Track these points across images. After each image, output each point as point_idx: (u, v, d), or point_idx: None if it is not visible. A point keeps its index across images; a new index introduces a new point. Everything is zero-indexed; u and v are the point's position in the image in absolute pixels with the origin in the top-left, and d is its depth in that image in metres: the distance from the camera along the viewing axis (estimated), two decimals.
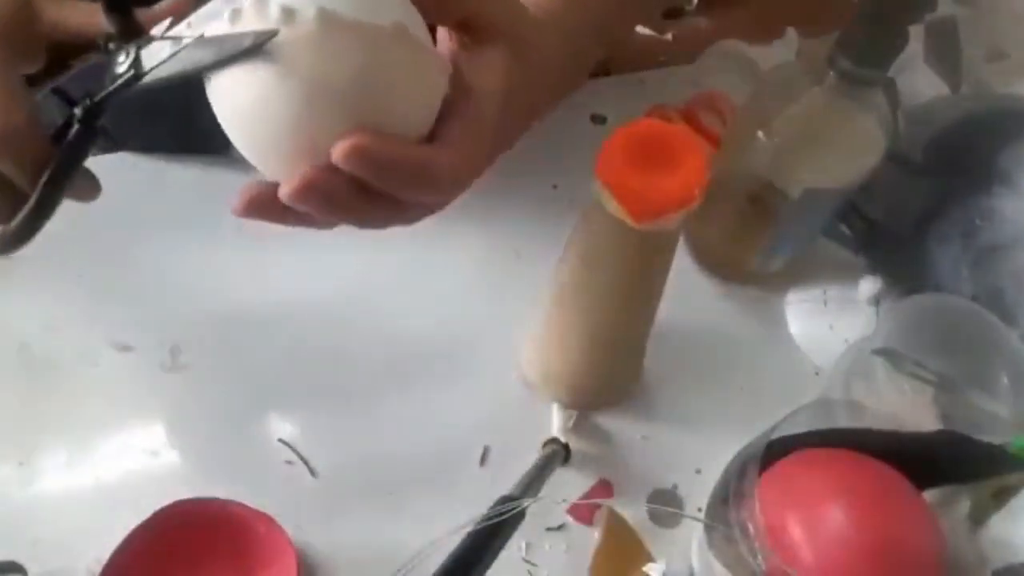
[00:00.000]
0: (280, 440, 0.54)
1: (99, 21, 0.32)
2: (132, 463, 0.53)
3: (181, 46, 0.31)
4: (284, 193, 0.33)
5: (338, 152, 0.31)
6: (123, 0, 0.32)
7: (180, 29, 0.32)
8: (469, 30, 0.38)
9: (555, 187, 0.65)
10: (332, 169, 0.32)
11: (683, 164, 0.40)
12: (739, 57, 0.71)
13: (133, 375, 0.55)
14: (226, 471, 0.52)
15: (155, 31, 0.32)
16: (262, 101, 0.31)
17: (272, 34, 0.30)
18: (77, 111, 0.33)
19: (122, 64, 0.32)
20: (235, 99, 0.32)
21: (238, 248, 0.59)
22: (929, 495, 0.45)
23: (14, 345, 0.55)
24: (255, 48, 0.30)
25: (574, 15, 0.47)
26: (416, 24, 0.34)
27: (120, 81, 0.32)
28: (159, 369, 0.55)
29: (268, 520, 0.47)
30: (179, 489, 0.48)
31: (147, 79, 0.32)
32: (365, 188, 0.34)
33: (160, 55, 0.32)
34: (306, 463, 0.53)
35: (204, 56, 0.31)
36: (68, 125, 0.33)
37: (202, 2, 0.33)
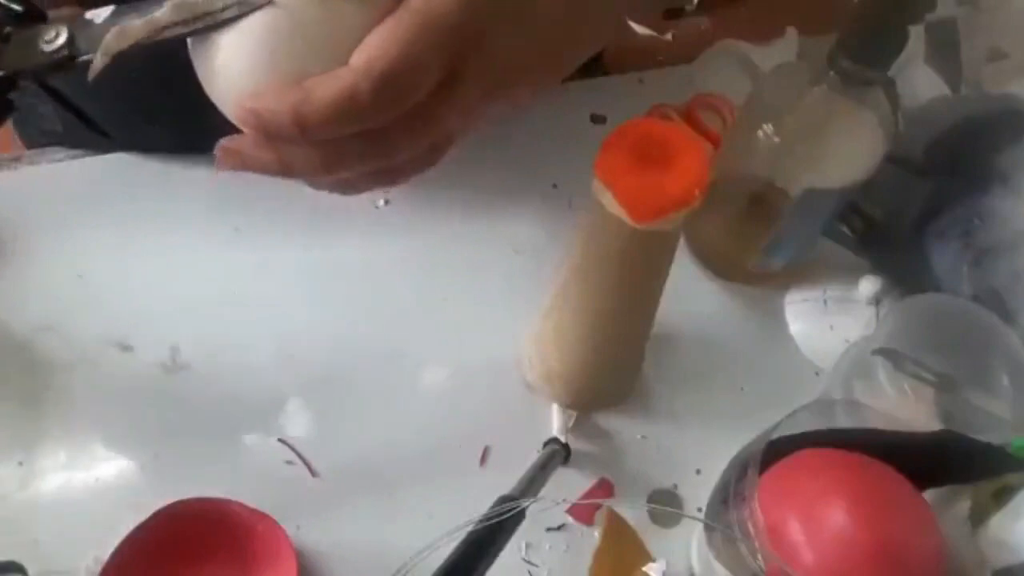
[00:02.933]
0: (280, 440, 0.54)
1: None
2: (132, 463, 0.53)
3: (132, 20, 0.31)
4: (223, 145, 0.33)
5: (236, 114, 0.31)
6: None
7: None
8: None
9: (555, 187, 0.65)
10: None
11: (683, 164, 0.40)
12: (739, 57, 0.71)
13: (133, 375, 0.55)
14: (226, 471, 0.52)
15: (90, 16, 0.32)
16: (243, 75, 0.32)
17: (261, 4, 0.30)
18: None
19: (50, 43, 0.31)
20: (222, 71, 0.32)
21: (238, 248, 0.59)
22: (929, 495, 0.45)
23: (14, 345, 0.55)
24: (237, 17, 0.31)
25: None
26: None
27: (61, 59, 0.31)
28: (159, 369, 0.55)
29: (268, 520, 0.47)
30: (179, 489, 0.48)
31: (85, 58, 0.31)
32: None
33: (100, 33, 0.31)
34: (306, 463, 0.53)
35: (172, 28, 0.31)
36: None
37: None
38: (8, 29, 0.32)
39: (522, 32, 0.36)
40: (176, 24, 0.31)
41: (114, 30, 0.31)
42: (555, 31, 0.38)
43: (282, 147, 0.33)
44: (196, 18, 0.31)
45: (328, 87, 0.30)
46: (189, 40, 0.33)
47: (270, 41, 0.32)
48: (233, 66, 0.32)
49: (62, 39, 0.31)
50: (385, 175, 0.36)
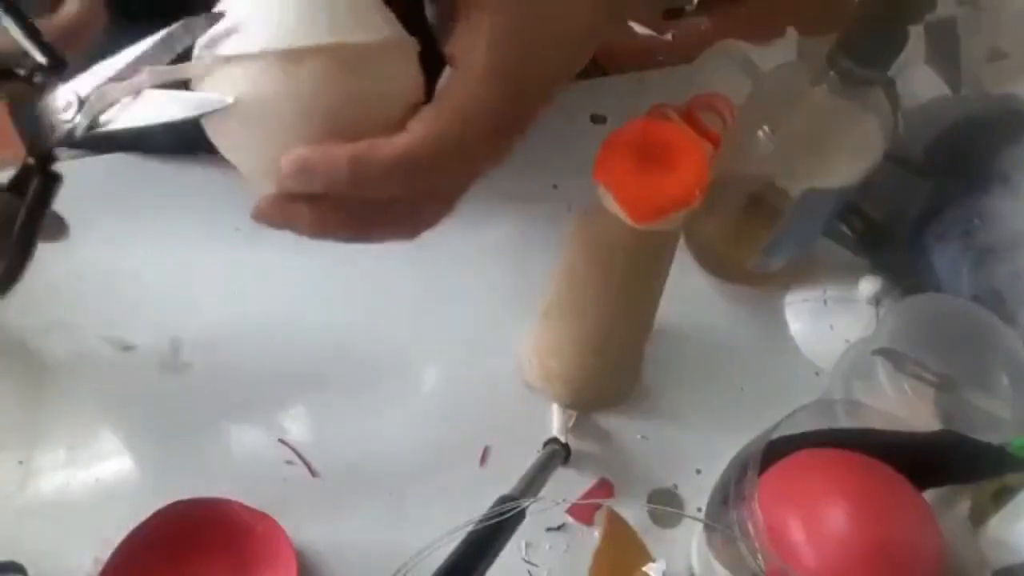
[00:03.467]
0: (280, 440, 0.54)
1: (6, 49, 0.32)
2: (132, 463, 0.53)
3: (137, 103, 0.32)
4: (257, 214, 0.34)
5: (286, 168, 0.32)
6: (34, 28, 0.32)
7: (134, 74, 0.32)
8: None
9: (555, 187, 0.65)
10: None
11: (683, 164, 0.40)
12: (739, 57, 0.71)
13: (133, 375, 0.55)
14: (226, 471, 0.52)
15: (99, 70, 0.32)
16: (248, 145, 0.33)
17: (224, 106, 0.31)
18: (31, 160, 0.33)
19: (67, 111, 0.32)
20: (227, 138, 0.34)
21: (239, 248, 0.59)
22: (929, 495, 0.45)
23: (14, 345, 0.55)
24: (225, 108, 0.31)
25: None
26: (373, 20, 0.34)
27: (78, 132, 0.32)
28: (159, 369, 0.55)
29: (268, 520, 0.47)
30: (179, 489, 0.48)
31: (107, 128, 0.32)
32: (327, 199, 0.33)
33: (115, 105, 0.32)
34: (306, 463, 0.53)
35: (173, 111, 0.32)
36: (25, 174, 0.33)
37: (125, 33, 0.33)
38: (37, 79, 0.33)
39: (537, 98, 0.37)
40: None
41: (98, 132, 0.32)
42: (558, 83, 0.39)
43: (321, 206, 0.34)
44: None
45: (389, 147, 0.32)
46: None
47: (290, 112, 0.32)
48: (253, 136, 0.33)
49: (74, 106, 0.32)
50: (405, 232, 0.38)
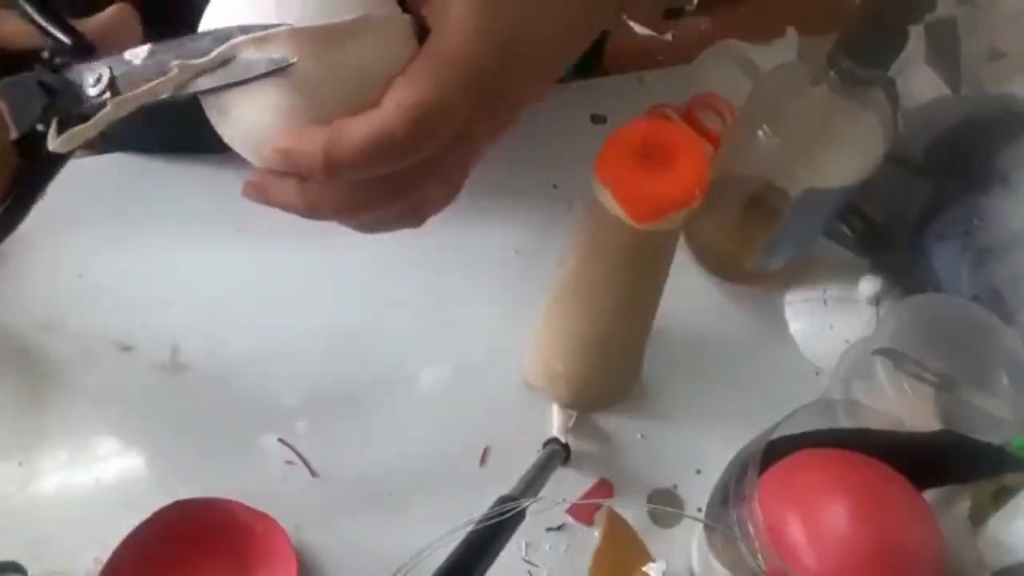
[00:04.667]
0: (280, 440, 0.54)
1: (28, 32, 0.32)
2: (132, 463, 0.53)
3: (169, 76, 0.31)
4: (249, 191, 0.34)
5: (269, 159, 0.32)
6: (55, 11, 0.32)
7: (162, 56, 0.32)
8: None
9: (555, 187, 0.65)
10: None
11: (683, 164, 0.40)
12: (739, 57, 0.70)
13: (133, 375, 0.55)
14: (226, 471, 0.52)
15: (129, 56, 0.32)
16: (266, 122, 0.32)
17: (284, 64, 0.31)
18: (41, 127, 0.32)
19: (94, 87, 0.32)
20: (241, 121, 0.33)
21: (238, 248, 0.59)
22: (929, 495, 0.45)
23: (14, 345, 0.55)
24: (259, 76, 0.31)
25: None
26: None
27: (102, 103, 0.32)
28: (159, 369, 0.55)
29: (268, 520, 0.47)
30: (179, 489, 0.48)
31: (126, 103, 0.32)
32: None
33: (141, 80, 0.31)
34: (306, 463, 0.53)
35: (202, 82, 0.31)
36: (35, 131, 0.33)
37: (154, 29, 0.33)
38: (59, 60, 0.32)
39: (530, 66, 0.35)
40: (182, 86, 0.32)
41: (114, 101, 0.31)
42: (555, 53, 0.38)
43: (309, 187, 0.33)
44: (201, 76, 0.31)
45: (359, 127, 0.30)
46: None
47: (289, 92, 0.32)
48: (252, 117, 0.33)
49: (104, 81, 0.31)
50: (409, 215, 0.36)
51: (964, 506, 0.46)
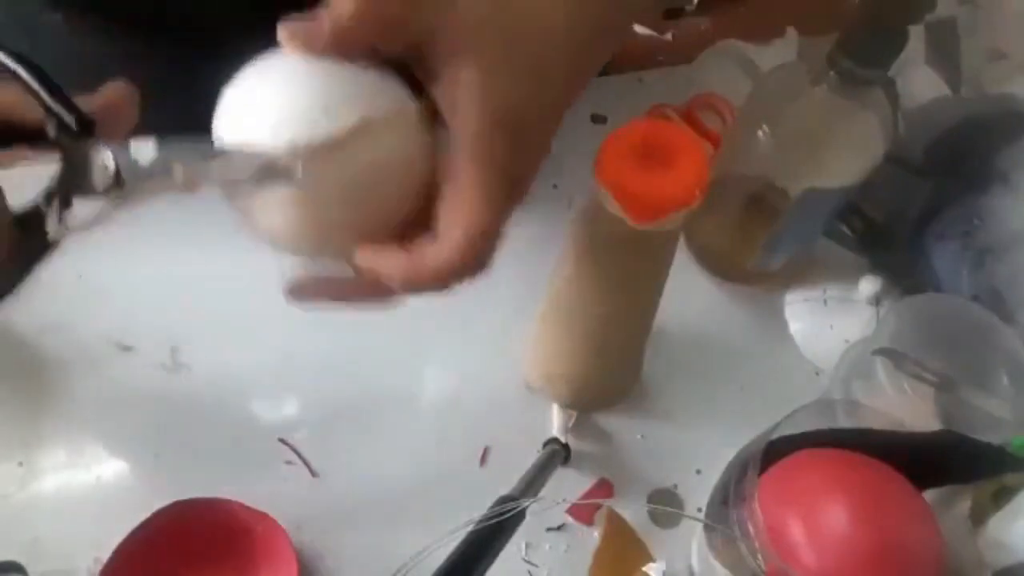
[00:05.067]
0: (280, 440, 0.54)
1: (28, 104, 0.32)
2: (132, 463, 0.53)
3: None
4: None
5: (358, 265, 0.35)
6: (58, 86, 0.32)
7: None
8: (427, 53, 0.33)
9: (555, 187, 0.65)
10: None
11: (683, 164, 0.40)
12: (739, 57, 0.71)
13: (133, 375, 0.55)
14: (226, 471, 0.52)
15: (134, 149, 0.32)
16: (277, 225, 0.36)
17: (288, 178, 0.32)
18: (51, 211, 0.33)
19: (99, 176, 0.32)
20: (256, 221, 0.36)
21: (238, 248, 0.59)
22: (929, 495, 0.45)
23: (14, 345, 0.55)
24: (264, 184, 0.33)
25: None
26: (384, 92, 0.34)
27: (105, 192, 0.33)
28: (159, 369, 0.55)
29: (268, 520, 0.47)
30: (179, 489, 0.48)
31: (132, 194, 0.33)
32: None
33: (144, 175, 0.33)
34: (306, 463, 0.53)
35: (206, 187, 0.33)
36: (36, 209, 0.33)
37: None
38: (62, 139, 0.32)
39: (540, 131, 0.37)
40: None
41: (115, 197, 0.33)
42: (557, 112, 0.38)
43: (356, 285, 0.37)
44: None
45: (435, 258, 0.34)
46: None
47: (296, 200, 0.34)
48: (266, 220, 0.36)
49: (110, 173, 0.32)
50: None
51: (964, 506, 0.46)
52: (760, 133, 0.53)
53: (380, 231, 0.35)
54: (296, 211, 0.35)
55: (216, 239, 0.59)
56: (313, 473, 0.53)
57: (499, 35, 0.33)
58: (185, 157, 0.32)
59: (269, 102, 0.33)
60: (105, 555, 0.45)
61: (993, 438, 0.47)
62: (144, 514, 0.46)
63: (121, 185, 0.32)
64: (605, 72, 0.72)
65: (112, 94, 0.34)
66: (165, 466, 0.53)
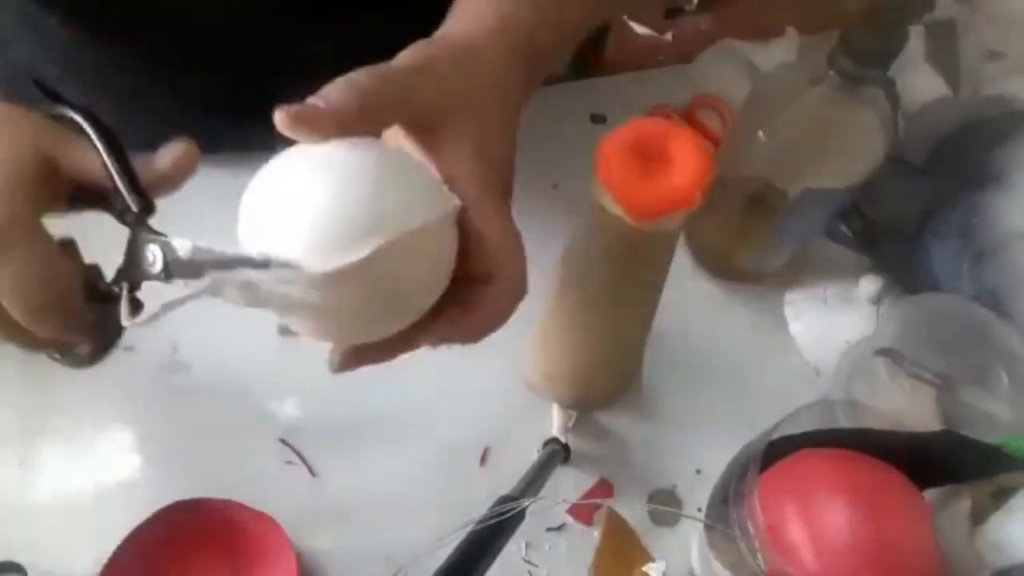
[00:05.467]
0: (280, 440, 0.54)
1: (98, 171, 0.34)
2: (132, 463, 0.53)
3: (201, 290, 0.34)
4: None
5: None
6: (131, 168, 0.34)
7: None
8: (417, 128, 0.36)
9: (555, 187, 0.65)
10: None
11: (683, 164, 0.40)
12: (739, 57, 0.71)
13: (133, 375, 0.55)
14: (226, 471, 0.52)
15: (177, 245, 0.34)
16: (306, 329, 0.37)
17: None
18: (116, 289, 0.36)
19: (152, 265, 0.35)
20: (291, 322, 0.37)
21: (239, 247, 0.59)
22: (929, 495, 0.45)
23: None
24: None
25: (513, 30, 0.40)
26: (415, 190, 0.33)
27: (158, 278, 0.35)
28: (159, 369, 0.55)
29: (268, 520, 0.47)
30: (179, 489, 0.48)
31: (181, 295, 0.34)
32: None
33: (183, 269, 0.35)
34: (306, 463, 0.53)
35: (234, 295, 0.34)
36: (109, 294, 0.36)
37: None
38: (128, 218, 0.35)
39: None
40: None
41: (166, 304, 0.34)
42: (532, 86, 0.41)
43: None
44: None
45: (503, 302, 0.37)
46: None
47: (317, 315, 0.34)
48: (296, 326, 0.37)
49: (159, 265, 0.34)
50: None
51: (964, 506, 0.46)
52: (760, 133, 0.53)
53: (417, 316, 0.36)
54: (314, 330, 0.36)
55: (216, 239, 0.60)
56: (313, 473, 0.53)
57: (474, 94, 0.36)
58: (214, 264, 0.33)
59: (300, 212, 0.31)
60: (105, 555, 0.45)
61: (993, 438, 0.47)
62: (144, 514, 0.46)
63: (169, 275, 0.34)
64: (605, 72, 0.72)
65: (181, 155, 0.36)
66: (165, 466, 0.53)
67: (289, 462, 0.53)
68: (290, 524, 0.48)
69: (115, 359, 0.55)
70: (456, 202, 0.34)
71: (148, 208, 0.35)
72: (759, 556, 0.41)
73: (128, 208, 0.34)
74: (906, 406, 0.51)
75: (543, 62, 0.42)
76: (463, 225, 0.35)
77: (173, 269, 0.34)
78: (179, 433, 0.53)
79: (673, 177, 0.39)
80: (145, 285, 0.35)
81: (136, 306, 0.35)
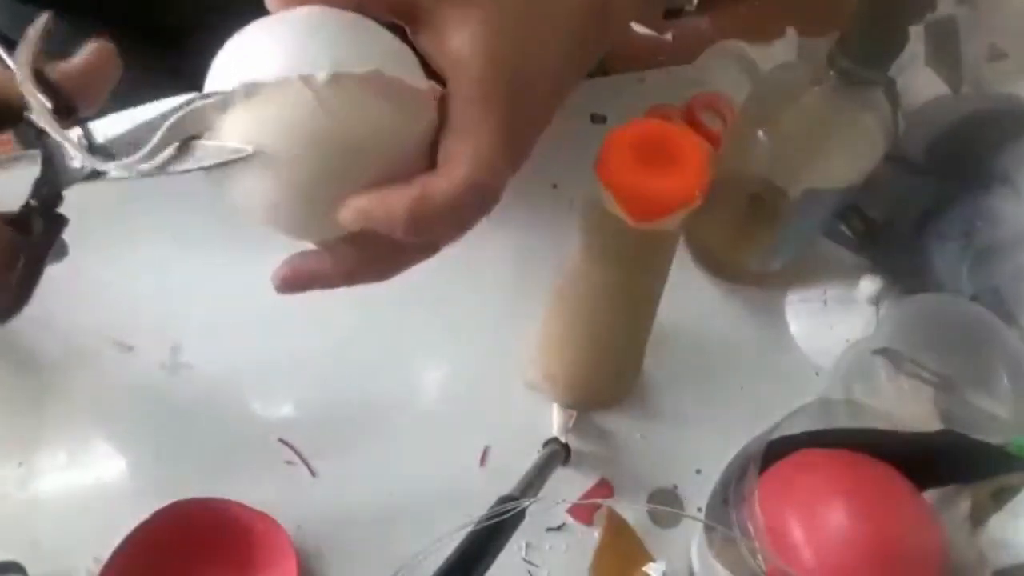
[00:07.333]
0: (280, 440, 0.54)
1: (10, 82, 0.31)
2: (132, 463, 0.53)
3: (150, 157, 0.30)
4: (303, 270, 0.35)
5: (346, 219, 0.31)
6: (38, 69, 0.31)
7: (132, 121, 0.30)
8: (414, 12, 0.32)
9: (555, 187, 0.65)
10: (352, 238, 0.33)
11: (683, 164, 0.40)
12: (739, 57, 0.71)
13: (133, 375, 0.55)
14: (226, 471, 0.52)
15: (100, 128, 0.31)
16: (269, 192, 0.31)
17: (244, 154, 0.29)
18: (34, 202, 0.32)
19: (74, 160, 0.31)
20: (242, 196, 0.32)
21: (238, 248, 0.59)
22: (929, 495, 0.45)
23: (14, 345, 0.55)
24: (247, 156, 0.29)
25: None
26: (389, 52, 0.31)
27: (82, 175, 0.31)
28: (159, 369, 0.55)
29: (268, 520, 0.47)
30: (179, 489, 0.48)
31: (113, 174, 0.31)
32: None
33: (119, 149, 0.31)
34: (306, 463, 0.53)
35: (187, 162, 0.31)
36: (26, 213, 0.33)
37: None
38: (41, 126, 0.31)
39: (541, 94, 0.36)
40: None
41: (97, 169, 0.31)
42: (560, 80, 0.38)
43: (356, 256, 0.33)
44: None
45: (444, 188, 0.30)
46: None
47: (263, 175, 0.30)
48: (238, 196, 0.32)
49: (81, 158, 0.31)
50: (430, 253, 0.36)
51: (964, 506, 0.46)
52: (760, 133, 0.53)
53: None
54: (270, 184, 0.30)
55: (216, 239, 0.60)
56: (313, 473, 0.53)
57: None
58: (144, 134, 0.30)
59: (260, 53, 0.29)
60: (105, 555, 0.45)
61: (993, 438, 0.47)
62: (144, 514, 0.46)
63: (100, 176, 0.31)
64: (605, 72, 0.72)
65: (94, 57, 0.32)
66: (165, 466, 0.53)
67: (289, 462, 0.53)
68: (290, 524, 0.48)
69: (115, 359, 0.56)
70: (430, 84, 0.32)
71: (67, 109, 0.31)
72: (759, 556, 0.41)
73: (43, 110, 0.30)
74: (906, 406, 0.51)
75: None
76: (445, 122, 0.32)
77: (99, 155, 0.31)
78: (179, 433, 0.53)
79: (673, 177, 0.39)
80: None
81: (57, 222, 0.33)
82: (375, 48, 0.31)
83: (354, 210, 0.31)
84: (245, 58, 0.30)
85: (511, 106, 0.32)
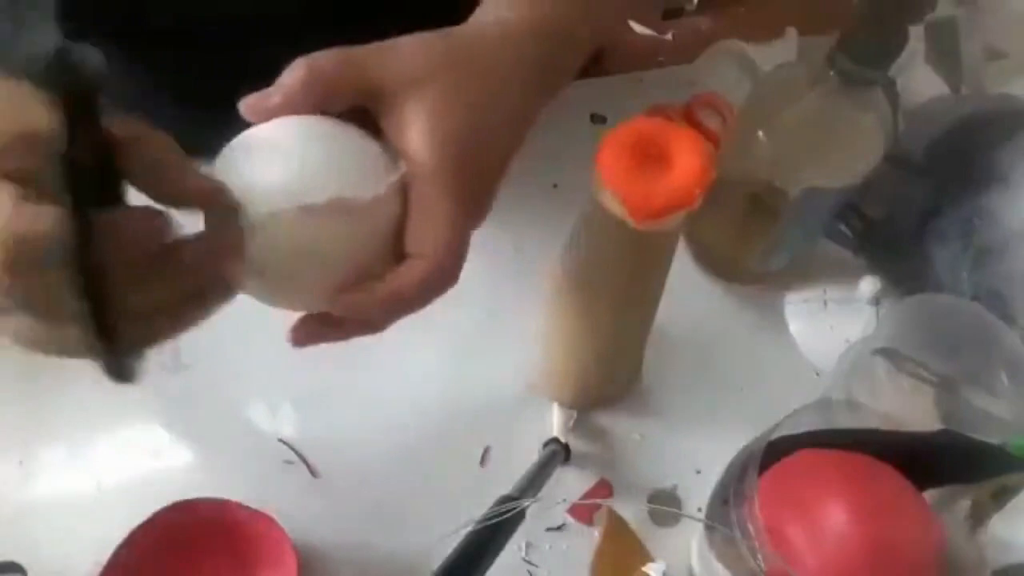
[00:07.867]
0: (280, 440, 0.54)
1: None
2: (132, 463, 0.53)
3: None
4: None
5: (336, 311, 0.37)
6: None
7: None
8: (378, 101, 0.37)
9: (555, 187, 0.65)
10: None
11: (683, 164, 0.40)
12: (739, 57, 0.71)
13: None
14: (226, 471, 0.52)
15: None
16: (260, 290, 0.39)
17: None
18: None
19: None
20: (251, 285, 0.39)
21: None
22: (929, 495, 0.45)
23: (14, 345, 0.55)
24: None
25: (535, 11, 0.41)
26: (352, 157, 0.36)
27: None
28: (159, 369, 0.55)
29: (268, 520, 0.47)
30: (179, 489, 0.48)
31: None
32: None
33: None
34: (306, 463, 0.53)
35: None
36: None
37: None
38: None
39: (494, 151, 0.40)
40: None
41: None
42: (543, 91, 0.42)
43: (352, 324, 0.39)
44: None
45: (411, 280, 0.36)
46: None
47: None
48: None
49: None
50: None
51: (964, 506, 0.46)
52: (760, 133, 0.53)
53: (357, 280, 0.37)
54: (257, 282, 0.37)
55: None
56: (313, 473, 0.53)
57: (445, 75, 0.37)
58: None
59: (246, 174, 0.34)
60: (105, 556, 0.45)
61: (993, 438, 0.47)
62: (144, 514, 0.46)
63: None
64: (605, 72, 0.72)
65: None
66: (165, 466, 0.53)
67: (289, 462, 0.53)
68: (290, 524, 0.48)
69: None
70: (394, 177, 0.36)
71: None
72: (759, 556, 0.41)
73: None
74: (906, 406, 0.51)
75: (570, 44, 0.42)
76: (407, 202, 0.36)
77: None
78: (179, 433, 0.54)
79: (673, 177, 0.39)
80: None
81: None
82: (342, 163, 0.35)
83: (342, 309, 0.37)
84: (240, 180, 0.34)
85: (466, 178, 0.37)
